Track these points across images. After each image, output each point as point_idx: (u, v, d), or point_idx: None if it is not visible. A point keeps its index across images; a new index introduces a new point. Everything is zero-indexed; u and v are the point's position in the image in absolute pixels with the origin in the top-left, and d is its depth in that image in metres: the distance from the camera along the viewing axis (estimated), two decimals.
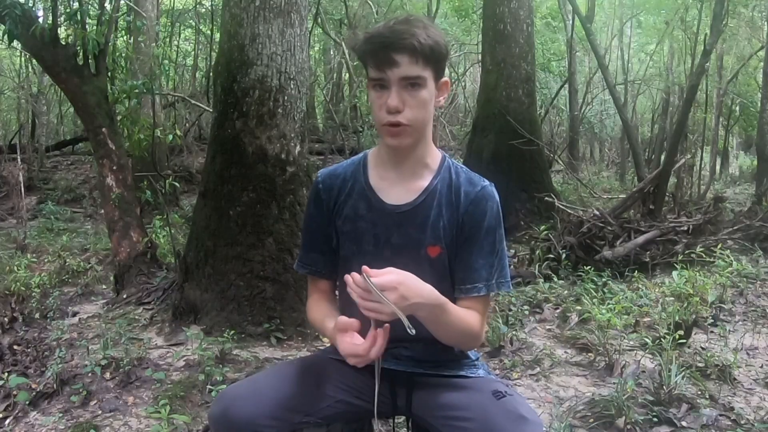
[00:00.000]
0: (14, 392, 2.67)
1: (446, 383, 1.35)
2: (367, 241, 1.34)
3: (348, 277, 1.16)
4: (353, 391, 1.37)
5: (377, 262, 1.28)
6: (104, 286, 4.90)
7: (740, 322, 3.82)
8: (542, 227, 5.56)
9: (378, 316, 1.16)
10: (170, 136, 5.47)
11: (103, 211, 5.01)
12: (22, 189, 7.67)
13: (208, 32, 12.00)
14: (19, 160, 8.88)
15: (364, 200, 1.36)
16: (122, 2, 6.22)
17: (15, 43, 4.78)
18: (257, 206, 3.63)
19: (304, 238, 1.45)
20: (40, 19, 4.84)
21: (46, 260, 5.73)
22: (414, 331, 1.16)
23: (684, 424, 2.45)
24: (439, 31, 1.27)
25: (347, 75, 13.01)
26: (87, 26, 4.60)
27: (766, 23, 12.02)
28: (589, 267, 4.70)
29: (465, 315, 1.30)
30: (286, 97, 3.69)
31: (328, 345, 1.53)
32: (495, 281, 1.35)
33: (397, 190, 1.35)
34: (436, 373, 1.36)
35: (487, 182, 1.37)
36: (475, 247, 1.33)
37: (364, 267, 1.17)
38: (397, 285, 1.15)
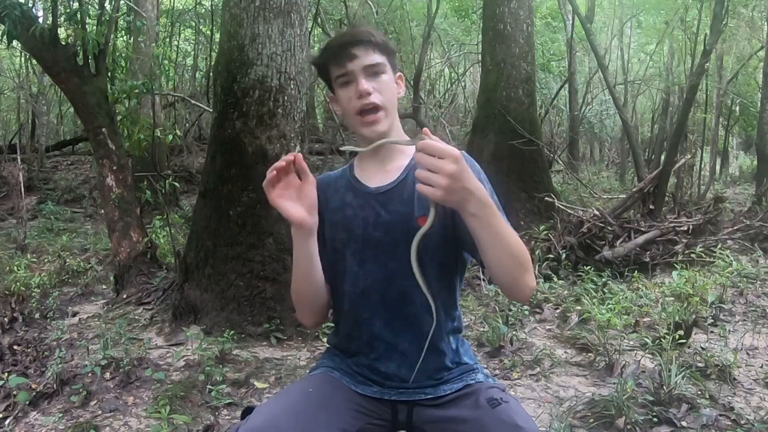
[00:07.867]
0: (14, 392, 2.67)
1: (446, 398, 1.37)
2: (356, 226, 1.38)
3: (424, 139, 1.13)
4: (365, 413, 1.37)
5: (368, 243, 1.35)
6: (104, 286, 4.90)
7: (740, 322, 3.82)
8: (542, 227, 5.56)
9: (425, 189, 1.09)
10: (170, 136, 5.47)
11: (103, 211, 5.01)
12: (22, 189, 7.66)
13: (208, 32, 11.99)
14: (19, 160, 8.85)
15: (351, 190, 1.43)
16: (122, 2, 6.21)
17: (15, 43, 4.79)
18: (257, 206, 3.63)
19: None
20: (40, 20, 4.85)
21: (46, 260, 5.73)
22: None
23: (684, 424, 2.45)
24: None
25: None
26: (87, 26, 4.61)
27: (766, 23, 12.02)
28: (589, 267, 4.70)
29: (514, 232, 1.24)
30: (286, 97, 3.70)
31: (327, 347, 1.53)
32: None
33: (378, 175, 1.42)
34: (436, 395, 1.37)
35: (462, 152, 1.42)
36: None
37: (425, 129, 1.18)
38: (458, 158, 1.10)
